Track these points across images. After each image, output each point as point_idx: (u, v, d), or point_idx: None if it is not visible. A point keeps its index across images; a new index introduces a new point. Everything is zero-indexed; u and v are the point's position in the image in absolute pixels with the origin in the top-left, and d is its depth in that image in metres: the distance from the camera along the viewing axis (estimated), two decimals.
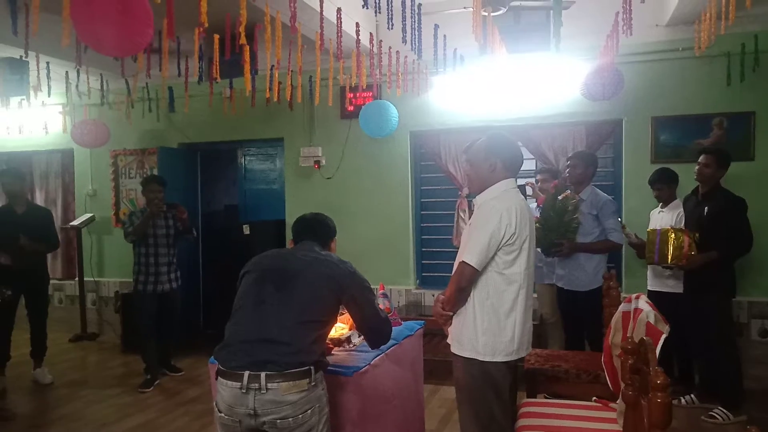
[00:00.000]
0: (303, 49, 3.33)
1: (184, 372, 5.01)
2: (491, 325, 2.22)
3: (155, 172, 5.82)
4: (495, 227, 2.16)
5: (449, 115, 5.17)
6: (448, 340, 2.37)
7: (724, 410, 3.65)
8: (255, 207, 6.52)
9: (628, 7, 3.32)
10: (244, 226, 5.71)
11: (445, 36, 3.92)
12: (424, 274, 5.58)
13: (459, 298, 2.25)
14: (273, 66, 3.41)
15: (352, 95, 5.25)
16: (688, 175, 4.08)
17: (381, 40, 4.06)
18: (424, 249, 5.58)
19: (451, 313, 2.31)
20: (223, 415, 1.96)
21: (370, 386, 2.37)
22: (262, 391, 1.87)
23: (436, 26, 3.77)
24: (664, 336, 2.01)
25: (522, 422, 2.45)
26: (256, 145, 6.32)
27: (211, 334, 5.68)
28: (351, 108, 5.31)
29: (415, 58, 4.12)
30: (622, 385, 2.13)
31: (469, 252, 2.18)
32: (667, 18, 4.42)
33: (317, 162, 5.58)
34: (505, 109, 4.97)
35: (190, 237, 4.97)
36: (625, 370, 1.77)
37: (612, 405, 2.57)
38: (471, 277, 2.19)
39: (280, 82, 4.37)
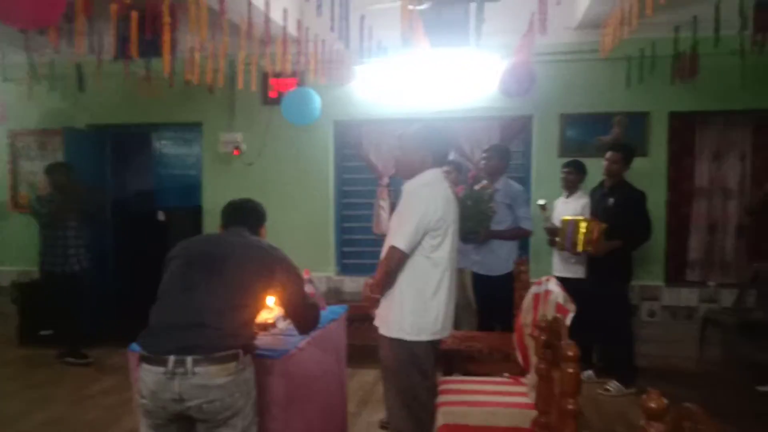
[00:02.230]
0: (226, 33, 3.28)
1: (93, 361, 4.78)
2: (417, 307, 2.33)
3: (60, 154, 5.48)
4: (423, 213, 2.27)
5: (372, 105, 5.25)
6: (375, 322, 2.45)
7: (619, 384, 4.00)
8: (170, 193, 6.31)
9: (543, 8, 3.53)
10: (158, 213, 5.52)
11: (371, 27, 3.97)
12: (344, 261, 5.65)
13: (388, 281, 2.34)
14: (193, 48, 3.33)
15: (275, 81, 5.19)
16: (591, 169, 4.40)
17: (308, 28, 4.05)
18: (344, 237, 5.65)
19: (380, 296, 2.39)
20: (146, 401, 1.93)
21: (296, 369, 2.40)
22: (189, 376, 1.86)
23: (363, 16, 3.81)
24: (571, 314, 2.19)
25: (441, 398, 2.59)
26: (172, 128, 6.11)
27: (121, 323, 5.45)
28: (274, 94, 5.25)
29: (340, 48, 4.15)
30: (534, 360, 2.31)
31: (398, 236, 2.27)
32: (577, 21, 4.72)
33: (237, 148, 5.48)
34: (427, 101, 5.11)
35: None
36: (539, 345, 1.93)
37: (523, 380, 2.76)
38: (400, 260, 2.28)
39: (200, 66, 4.26)
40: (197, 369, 1.86)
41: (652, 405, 1.16)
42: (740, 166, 4.94)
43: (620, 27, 3.74)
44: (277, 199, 5.38)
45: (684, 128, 4.99)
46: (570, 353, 1.56)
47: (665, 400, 1.15)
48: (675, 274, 5.04)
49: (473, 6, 4.85)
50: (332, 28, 3.41)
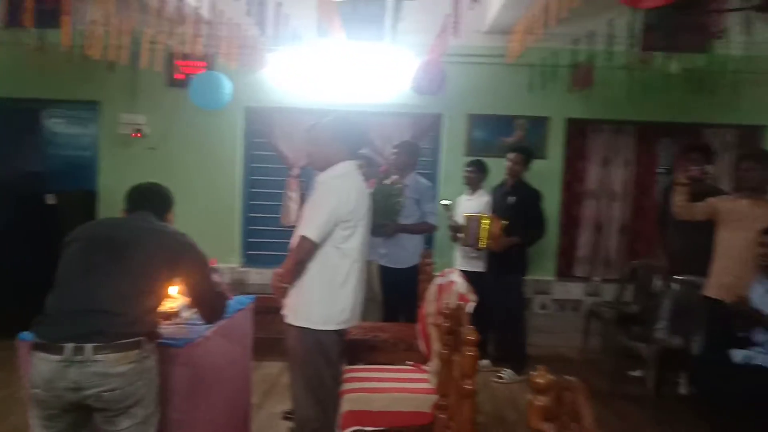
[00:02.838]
0: (134, 9, 3.13)
1: None
2: (326, 296, 2.36)
3: None
4: (335, 204, 2.30)
5: (285, 94, 5.19)
6: (283, 311, 2.46)
7: (512, 372, 4.26)
8: (62, 175, 5.87)
9: (457, 11, 3.67)
10: (47, 196, 5.14)
11: (287, 15, 3.93)
12: (250, 252, 5.56)
13: (298, 271, 2.35)
14: (96, 21, 3.14)
15: (182, 63, 5.00)
16: (494, 168, 4.63)
17: (222, 10, 3.94)
18: (251, 227, 5.55)
19: (289, 286, 2.40)
20: (38, 391, 1.83)
21: (200, 359, 2.36)
22: (88, 364, 1.78)
23: (279, 3, 3.77)
24: (472, 303, 2.32)
25: (346, 386, 2.64)
26: (65, 106, 5.67)
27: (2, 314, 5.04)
28: (181, 76, 5.06)
29: (254, 33, 4.07)
30: (436, 348, 2.42)
31: (309, 227, 2.29)
32: (488, 26, 4.93)
33: (139, 130, 5.23)
34: (341, 94, 5.12)
35: None
36: (441, 332, 2.03)
37: (425, 367, 2.88)
38: (311, 250, 2.30)
39: (101, 41, 4.01)
40: (97, 356, 1.79)
41: (540, 381, 1.27)
42: (625, 171, 5.39)
43: (526, 35, 3.96)
44: (181, 186, 5.05)
45: (578, 134, 5.36)
46: (470, 337, 1.67)
47: (550, 376, 1.26)
48: (565, 270, 5.42)
49: (390, 3, 4.96)
50: (248, 13, 3.34)
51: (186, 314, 2.57)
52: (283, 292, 2.43)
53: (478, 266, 4.43)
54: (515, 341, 4.35)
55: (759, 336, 3.12)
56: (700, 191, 3.69)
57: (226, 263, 5.22)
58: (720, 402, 3.04)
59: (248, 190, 5.51)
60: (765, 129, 5.15)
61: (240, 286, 5.24)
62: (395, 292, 4.14)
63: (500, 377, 4.26)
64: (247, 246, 5.55)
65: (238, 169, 5.34)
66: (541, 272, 5.23)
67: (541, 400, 1.30)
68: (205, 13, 3.72)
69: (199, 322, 2.40)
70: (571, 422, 1.16)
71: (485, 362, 4.46)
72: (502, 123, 5.23)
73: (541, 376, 1.33)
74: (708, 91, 4.51)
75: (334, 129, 2.47)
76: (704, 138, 5.22)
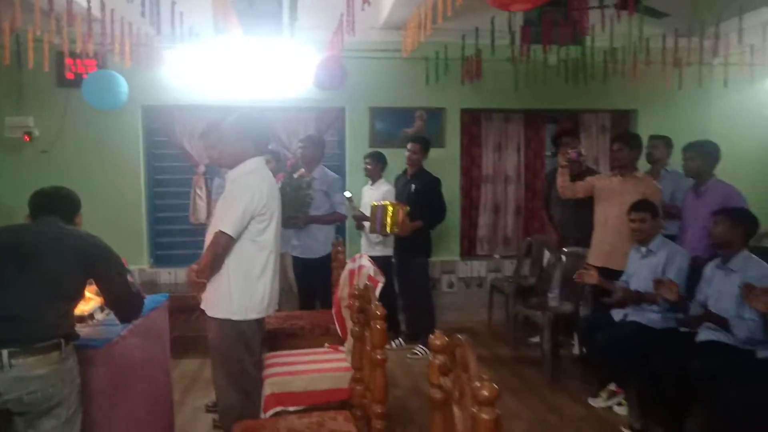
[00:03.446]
0: (18, 7, 3.02)
1: None
2: (244, 288, 2.47)
3: None
4: (249, 199, 2.41)
5: (185, 91, 5.14)
6: (202, 306, 2.54)
7: (424, 348, 4.54)
8: None
9: (350, 10, 3.83)
10: None
11: (182, 13, 3.92)
12: (159, 252, 5.47)
13: (215, 265, 2.44)
14: None
15: (72, 62, 4.81)
16: (397, 158, 4.86)
17: (113, 9, 3.86)
18: (158, 227, 5.46)
19: (207, 281, 2.48)
20: None
21: (119, 359, 2.38)
22: (5, 370, 1.79)
23: (174, 2, 3.76)
24: (380, 284, 2.51)
25: (267, 372, 2.76)
26: None
27: None
28: (71, 76, 4.87)
29: (149, 31, 4.02)
30: (351, 326, 2.60)
31: (225, 222, 2.39)
32: (382, 22, 5.14)
33: (28, 133, 4.98)
34: (243, 90, 5.15)
35: None
36: (353, 311, 2.21)
37: (341, 348, 3.05)
38: (228, 245, 2.40)
39: None
40: (14, 362, 1.80)
41: (438, 342, 1.48)
42: (516, 156, 5.82)
43: (418, 30, 4.20)
44: (80, 189, 4.72)
45: (472, 123, 5.72)
46: (378, 312, 1.85)
47: (446, 338, 1.47)
48: (468, 249, 5.80)
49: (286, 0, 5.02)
50: (143, 13, 3.32)
51: (100, 316, 2.58)
52: (200, 288, 2.51)
53: (382, 251, 4.65)
54: (425, 319, 4.62)
55: None
56: (578, 172, 4.12)
57: (135, 265, 5.11)
58: (604, 355, 3.45)
59: (153, 190, 5.41)
60: (635, 113, 5.75)
61: (151, 287, 5.15)
62: (310, 281, 4.28)
63: (415, 353, 4.53)
64: (156, 246, 5.46)
65: (140, 168, 5.23)
66: (447, 253, 5.56)
67: (439, 359, 1.51)
68: (96, 11, 3.63)
69: (114, 323, 2.42)
70: (462, 373, 1.37)
71: (399, 341, 4.72)
72: (403, 115, 5.48)
73: (438, 339, 1.54)
74: (583, 80, 4.97)
75: (240, 127, 2.56)
76: (583, 123, 5.75)
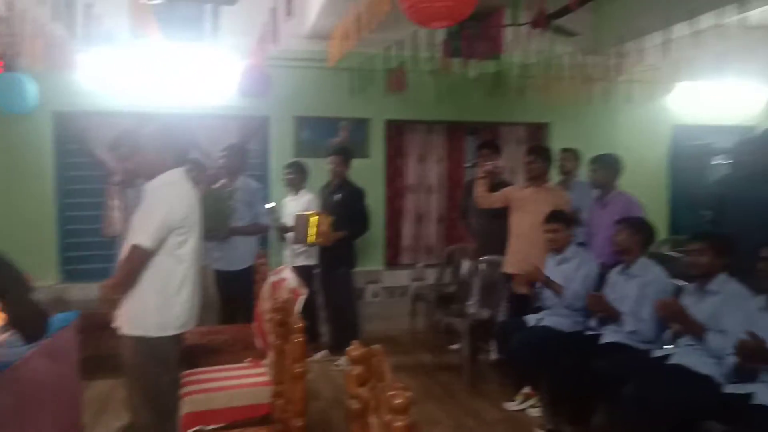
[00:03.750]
0: None
1: None
2: (162, 304, 2.39)
3: None
4: (167, 211, 2.34)
5: (101, 97, 4.92)
6: (116, 323, 2.44)
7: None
8: None
9: (274, 19, 3.82)
10: None
11: (99, 15, 3.77)
12: (69, 267, 5.18)
13: (130, 280, 2.35)
14: None
15: None
16: (323, 168, 4.86)
17: (24, 10, 3.65)
18: (69, 240, 5.17)
19: (121, 297, 2.39)
20: None
21: (24, 382, 2.26)
22: None
23: (89, 4, 3.61)
24: (303, 297, 2.52)
25: (185, 390, 2.69)
26: None
27: None
28: None
29: (61, 32, 3.84)
30: (272, 340, 2.58)
31: (141, 235, 2.31)
32: (307, 31, 5.15)
33: None
34: (162, 97, 5.00)
35: None
36: (274, 325, 2.20)
37: (263, 362, 3.02)
38: (144, 259, 2.32)
39: None
40: None
41: (354, 353, 1.51)
42: (438, 167, 5.98)
43: (343, 41, 4.24)
44: None
45: (397, 134, 5.83)
46: (297, 326, 1.86)
47: (362, 348, 1.51)
48: (392, 259, 5.88)
49: (209, 5, 4.94)
50: (54, 17, 3.17)
51: (1, 336, 2.43)
52: (114, 304, 2.41)
53: (305, 261, 4.64)
54: (350, 330, 4.64)
55: (548, 301, 3.75)
56: (496, 183, 4.29)
57: (42, 281, 4.82)
58: (518, 359, 3.61)
59: (63, 201, 5.12)
60: (548, 126, 6.05)
61: (61, 305, 4.86)
62: (232, 294, 4.20)
63: (338, 365, 4.54)
64: (66, 261, 5.16)
65: (49, 178, 4.95)
66: (371, 263, 5.62)
67: (356, 369, 1.54)
68: (1, 10, 3.43)
69: (18, 344, 2.29)
70: (378, 382, 1.40)
71: (323, 352, 4.72)
72: (328, 124, 5.50)
73: (355, 350, 1.57)
74: (501, 93, 5.19)
75: (158, 137, 2.49)
76: (501, 135, 5.99)
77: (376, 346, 1.44)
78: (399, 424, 1.23)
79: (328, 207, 4.55)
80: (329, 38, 4.64)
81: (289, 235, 4.56)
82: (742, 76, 5.90)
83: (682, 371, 2.76)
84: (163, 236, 2.36)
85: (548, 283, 3.67)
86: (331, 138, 5.48)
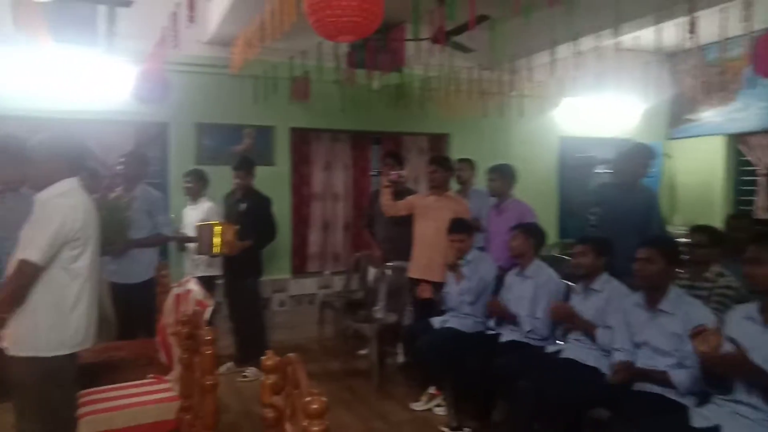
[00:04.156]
0: None
1: None
2: (55, 321, 2.25)
3: None
4: (60, 224, 2.21)
5: None
6: (4, 344, 2.27)
7: (256, 369, 4.49)
8: None
9: (174, 24, 3.72)
10: None
11: None
12: None
13: (19, 297, 2.19)
14: None
15: None
16: (227, 176, 4.78)
17: None
18: None
19: (7, 316, 2.22)
20: None
21: None
22: None
23: None
24: (210, 308, 2.48)
25: (83, 410, 2.55)
26: None
27: None
28: None
29: None
30: (177, 355, 2.52)
31: (31, 249, 2.16)
32: (209, 37, 5.04)
33: None
34: (54, 101, 4.68)
35: None
36: (181, 338, 2.15)
37: (166, 378, 2.92)
38: (34, 274, 2.17)
39: None
40: None
41: (269, 362, 1.53)
42: (344, 175, 6.05)
43: (246, 48, 4.20)
44: None
45: (302, 142, 5.84)
46: (208, 338, 1.84)
47: (276, 357, 1.53)
48: (299, 267, 5.86)
49: (103, 7, 4.70)
50: None
51: None
52: (0, 323, 2.24)
53: (207, 271, 4.53)
54: (257, 340, 4.58)
55: (450, 303, 3.92)
56: (400, 191, 4.43)
57: None
58: (424, 360, 3.74)
59: None
60: (448, 137, 6.31)
61: None
62: (130, 309, 3.99)
63: (245, 376, 4.46)
64: None
65: None
66: (278, 272, 5.57)
67: (271, 378, 1.56)
68: None
69: None
70: (294, 390, 1.44)
71: (229, 364, 4.61)
72: (232, 132, 5.41)
73: (269, 359, 1.59)
74: (404, 105, 5.36)
75: (50, 146, 2.35)
76: (404, 145, 6.17)
77: (292, 355, 1.47)
78: (316, 429, 1.27)
79: (233, 216, 4.47)
80: (232, 45, 4.58)
81: (191, 245, 4.43)
82: (619, 92, 6.50)
83: (572, 364, 3.01)
84: (55, 250, 2.23)
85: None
86: (234, 145, 5.39)
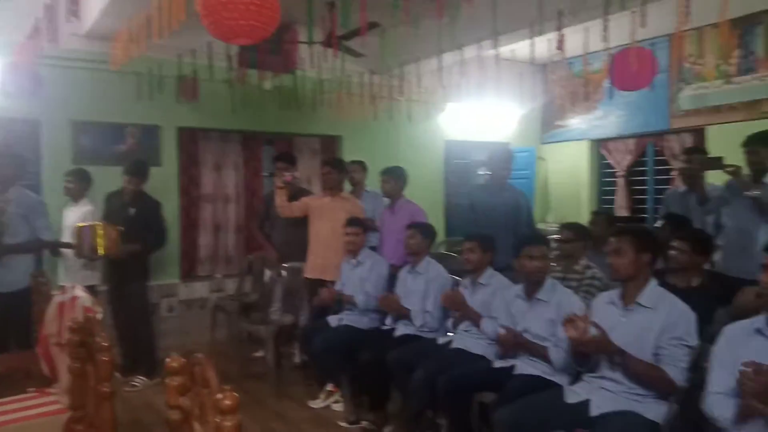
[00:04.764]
0: None
1: None
2: None
3: None
4: None
5: None
6: None
7: (144, 378, 4.32)
8: None
9: (50, 16, 3.49)
10: None
11: None
12: None
13: None
14: None
15: None
16: (107, 177, 4.54)
17: None
18: None
19: None
20: None
21: None
22: None
23: None
24: (99, 315, 2.38)
25: None
26: None
27: None
28: None
29: None
30: (64, 366, 2.39)
31: None
32: (86, 30, 4.75)
33: None
34: None
35: None
36: (72, 346, 2.06)
37: (50, 390, 2.75)
38: None
39: None
40: None
41: (174, 364, 1.53)
42: (235, 176, 5.96)
43: (129, 44, 4.01)
44: None
45: (190, 142, 5.67)
46: (104, 344, 1.79)
47: (181, 358, 1.54)
48: (188, 271, 5.69)
49: None
50: None
51: None
52: None
53: (87, 280, 4.28)
54: (144, 348, 4.40)
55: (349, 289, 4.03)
56: (294, 192, 4.46)
57: None
58: (321, 358, 3.82)
59: None
60: (340, 139, 6.42)
61: None
62: (4, 320, 3.67)
63: (134, 385, 4.27)
64: None
65: None
66: (166, 276, 5.38)
67: (176, 380, 1.56)
68: None
69: None
70: (203, 389, 1.45)
71: (115, 375, 4.38)
72: (114, 130, 5.15)
73: (174, 361, 1.59)
74: (295, 106, 5.39)
75: None
76: (296, 146, 6.19)
77: (198, 355, 1.49)
78: (229, 424, 1.31)
79: (120, 219, 4.24)
80: (113, 40, 4.36)
81: (66, 251, 4.15)
82: (498, 99, 6.96)
83: (461, 354, 3.22)
84: None
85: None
86: (116, 145, 5.13)
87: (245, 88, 5.22)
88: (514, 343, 2.96)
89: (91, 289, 4.17)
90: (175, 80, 5.06)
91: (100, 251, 3.99)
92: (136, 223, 4.21)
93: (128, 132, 5.21)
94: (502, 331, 2.99)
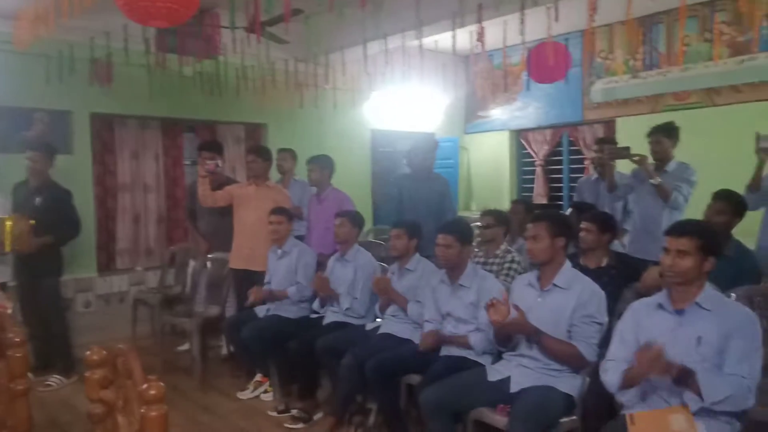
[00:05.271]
0: None
1: None
2: None
3: None
4: None
5: None
6: None
7: (59, 377, 4.11)
8: None
9: None
10: None
11: None
12: None
13: None
14: None
15: None
16: (13, 165, 4.26)
17: None
18: None
19: None
20: None
21: None
22: None
23: None
24: (9, 311, 2.26)
25: None
26: None
27: None
28: None
29: None
30: None
31: None
32: None
33: None
34: None
35: None
36: None
37: None
38: None
39: None
40: None
41: (95, 357, 1.49)
42: (155, 164, 5.73)
43: (36, 24, 3.76)
44: None
45: (105, 128, 5.41)
46: (17, 339, 1.71)
47: (103, 351, 1.50)
48: (106, 264, 5.44)
49: None
50: None
51: None
52: None
53: (4, 273, 4.05)
54: (59, 345, 4.19)
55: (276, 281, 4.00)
56: (219, 181, 4.36)
57: None
58: (249, 349, 3.78)
59: None
60: (265, 126, 6.32)
61: None
62: None
63: (49, 385, 4.06)
64: None
65: None
66: (81, 270, 5.12)
67: (97, 373, 1.52)
68: None
69: None
70: (127, 380, 1.42)
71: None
72: (19, 115, 4.83)
73: (95, 354, 1.54)
74: (218, 93, 5.24)
75: None
76: (219, 133, 6.04)
77: (121, 346, 1.45)
78: (154, 413, 1.29)
79: (27, 210, 3.98)
80: (16, 18, 4.07)
81: None
82: (423, 90, 7.07)
83: (388, 338, 3.29)
84: None
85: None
86: (23, 131, 4.81)
87: (165, 73, 5.02)
88: (436, 341, 3.05)
89: (0, 285, 3.95)
90: (89, 63, 4.79)
91: (8, 247, 3.75)
92: (44, 213, 3.96)
93: (36, 117, 4.89)
94: (425, 332, 3.07)
